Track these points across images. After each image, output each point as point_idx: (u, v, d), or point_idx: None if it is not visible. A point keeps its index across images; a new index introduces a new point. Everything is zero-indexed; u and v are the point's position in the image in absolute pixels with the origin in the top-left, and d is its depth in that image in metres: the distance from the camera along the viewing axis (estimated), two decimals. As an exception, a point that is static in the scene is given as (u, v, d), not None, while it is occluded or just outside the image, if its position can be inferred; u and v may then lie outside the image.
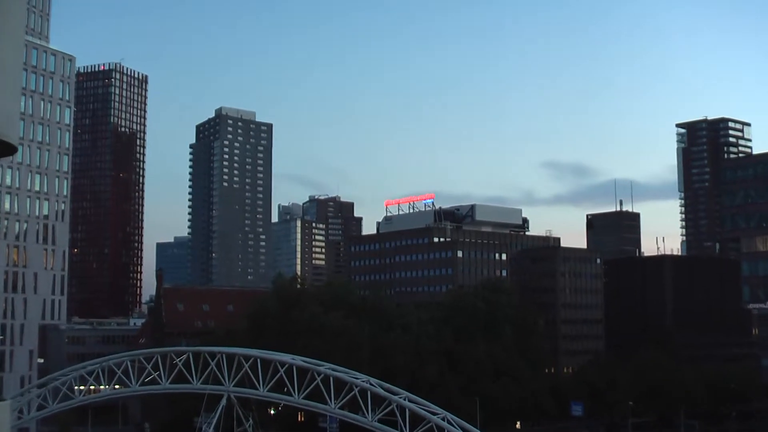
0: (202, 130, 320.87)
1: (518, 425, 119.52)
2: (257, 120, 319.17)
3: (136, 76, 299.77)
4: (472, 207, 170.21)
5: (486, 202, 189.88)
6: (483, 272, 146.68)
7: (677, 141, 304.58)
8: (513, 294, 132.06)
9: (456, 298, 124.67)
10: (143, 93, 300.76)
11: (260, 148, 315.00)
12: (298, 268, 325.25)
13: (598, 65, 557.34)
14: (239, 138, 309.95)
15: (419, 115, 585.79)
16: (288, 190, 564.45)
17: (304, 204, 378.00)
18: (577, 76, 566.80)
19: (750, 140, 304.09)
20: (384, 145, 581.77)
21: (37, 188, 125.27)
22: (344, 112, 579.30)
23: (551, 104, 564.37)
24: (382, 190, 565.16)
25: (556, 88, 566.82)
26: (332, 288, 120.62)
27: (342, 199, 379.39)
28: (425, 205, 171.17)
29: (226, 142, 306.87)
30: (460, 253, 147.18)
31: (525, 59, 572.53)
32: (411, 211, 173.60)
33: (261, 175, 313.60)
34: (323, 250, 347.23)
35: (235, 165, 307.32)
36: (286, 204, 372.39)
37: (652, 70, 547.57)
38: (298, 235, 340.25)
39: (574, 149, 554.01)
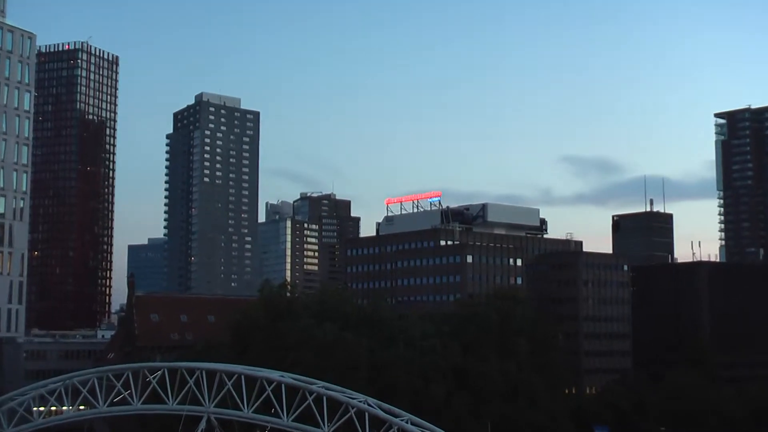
0: (180, 118, 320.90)
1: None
2: (242, 107, 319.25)
3: (105, 57, 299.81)
4: (484, 206, 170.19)
5: (499, 200, 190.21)
6: (495, 280, 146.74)
7: (716, 133, 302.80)
8: (529, 304, 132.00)
9: (465, 308, 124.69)
10: (113, 76, 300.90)
11: (246, 139, 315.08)
12: (288, 274, 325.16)
13: (624, 51, 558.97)
14: (222, 128, 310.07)
15: (424, 105, 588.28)
16: (277, 187, 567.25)
17: (294, 202, 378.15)
18: (600, 63, 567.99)
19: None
20: (385, 137, 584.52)
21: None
22: (340, 100, 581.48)
23: (572, 93, 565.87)
24: (383, 188, 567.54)
25: (577, 75, 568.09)
26: (326, 297, 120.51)
27: (337, 197, 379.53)
28: (431, 204, 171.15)
29: (208, 132, 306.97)
30: (469, 258, 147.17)
31: (543, 46, 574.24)
32: (415, 210, 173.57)
33: (246, 170, 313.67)
34: (316, 254, 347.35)
35: (218, 158, 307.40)
36: (275, 202, 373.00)
37: (686, 55, 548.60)
38: (288, 237, 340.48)
39: (597, 142, 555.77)
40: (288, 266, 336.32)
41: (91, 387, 63.69)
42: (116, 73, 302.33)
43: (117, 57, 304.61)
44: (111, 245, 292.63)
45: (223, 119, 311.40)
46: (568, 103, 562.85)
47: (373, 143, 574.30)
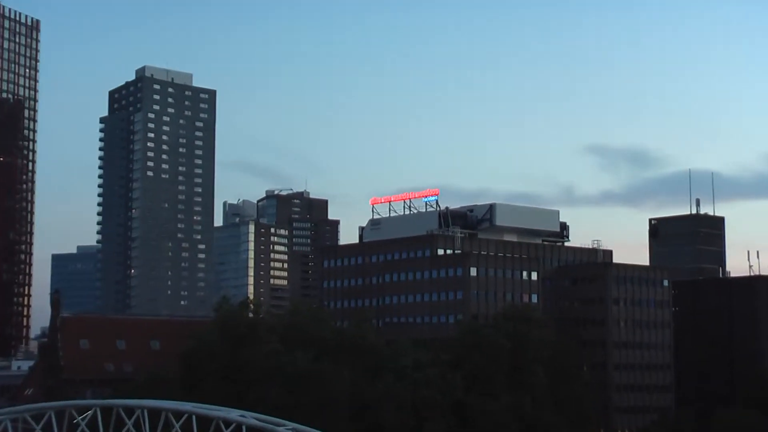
0: (117, 98, 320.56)
1: None
2: (194, 85, 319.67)
3: (22, 20, 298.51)
4: (491, 207, 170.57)
5: (509, 200, 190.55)
6: (506, 297, 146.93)
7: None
8: (547, 327, 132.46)
9: (468, 332, 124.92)
10: (33, 45, 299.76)
11: (199, 124, 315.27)
12: (251, 289, 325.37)
13: (660, 25, 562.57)
14: (169, 109, 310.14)
15: (418, 87, 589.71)
16: (237, 183, 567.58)
17: (259, 202, 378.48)
18: (631, 40, 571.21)
19: None
20: (370, 124, 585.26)
21: None
22: (316, 79, 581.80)
23: (598, 71, 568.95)
24: (367, 184, 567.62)
25: (603, 53, 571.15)
26: (298, 317, 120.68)
27: (311, 196, 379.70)
28: (426, 205, 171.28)
29: (152, 116, 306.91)
30: (473, 271, 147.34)
31: (562, 22, 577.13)
32: (407, 212, 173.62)
33: (200, 161, 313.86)
34: (285, 266, 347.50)
35: (164, 147, 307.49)
36: (235, 201, 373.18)
37: (736, 26, 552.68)
38: (251, 245, 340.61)
39: (629, 129, 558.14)
40: (251, 280, 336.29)
41: (4, 430, 63.46)
42: (37, 41, 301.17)
43: (38, 21, 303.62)
44: (30, 254, 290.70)
45: (170, 99, 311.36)
46: (593, 83, 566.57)
47: (356, 131, 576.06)
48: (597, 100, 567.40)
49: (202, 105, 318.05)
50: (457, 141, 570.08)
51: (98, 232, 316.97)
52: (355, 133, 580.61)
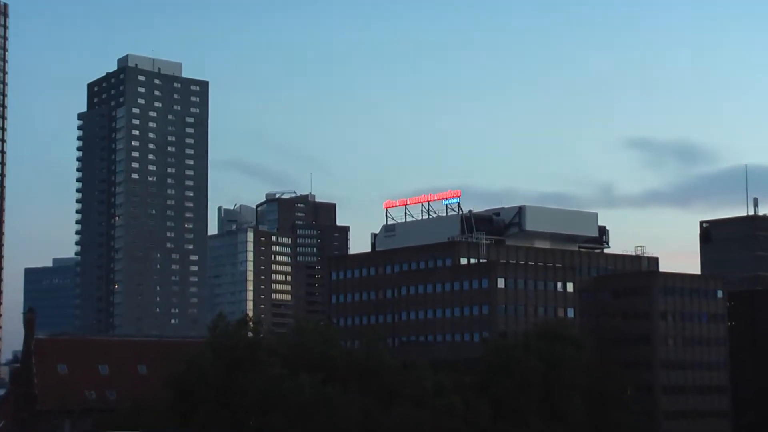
0: (97, 91, 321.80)
1: None
2: (184, 76, 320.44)
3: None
4: (520, 210, 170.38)
5: (540, 202, 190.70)
6: (538, 312, 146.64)
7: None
8: (585, 347, 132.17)
9: (496, 352, 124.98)
10: (1, 32, 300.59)
11: (189, 119, 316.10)
12: (250, 305, 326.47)
13: (710, 6, 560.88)
14: (156, 103, 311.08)
15: (434, 78, 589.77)
16: (233, 186, 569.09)
17: (258, 207, 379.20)
18: (677, 20, 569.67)
19: None
20: (381, 119, 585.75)
21: None
22: (322, 70, 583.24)
23: (639, 56, 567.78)
24: (380, 186, 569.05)
25: (645, 34, 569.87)
26: (303, 337, 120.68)
27: (317, 199, 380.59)
28: (447, 208, 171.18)
29: (136, 111, 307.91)
30: (501, 282, 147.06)
31: (591, 4, 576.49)
32: (425, 216, 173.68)
33: (191, 162, 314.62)
34: (289, 278, 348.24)
35: (151, 145, 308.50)
36: (231, 206, 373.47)
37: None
38: (250, 255, 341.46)
39: (676, 120, 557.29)
40: (249, 295, 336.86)
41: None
42: (5, 27, 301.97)
43: (5, 5, 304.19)
44: (0, 268, 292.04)
45: (157, 92, 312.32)
46: (634, 69, 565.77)
47: (367, 127, 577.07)
48: (639, 87, 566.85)
49: (192, 98, 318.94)
50: (480, 136, 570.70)
51: (77, 243, 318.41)
52: (365, 129, 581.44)
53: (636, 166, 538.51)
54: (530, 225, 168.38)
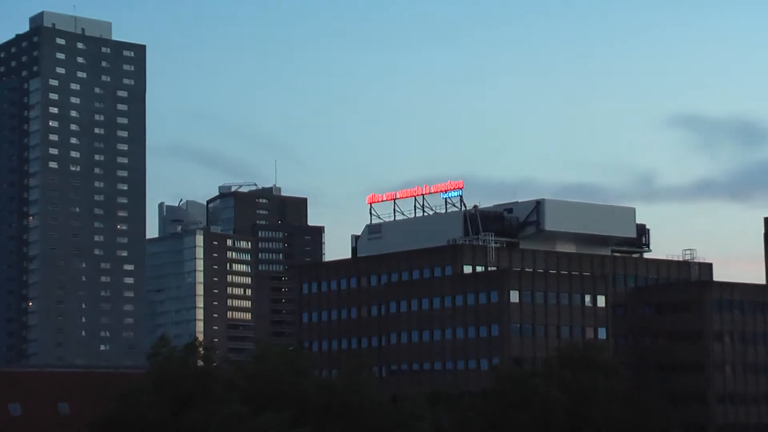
0: (4, 58, 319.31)
1: None
2: (115, 39, 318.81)
3: None
4: (538, 205, 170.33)
5: (563, 195, 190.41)
6: (560, 332, 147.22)
7: None
8: (620, 375, 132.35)
9: (509, 383, 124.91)
10: None
11: (122, 93, 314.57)
12: (200, 326, 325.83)
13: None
14: (79, 74, 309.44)
15: (426, 44, 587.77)
16: (178, 176, 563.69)
17: (210, 203, 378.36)
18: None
19: None
20: (362, 97, 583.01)
21: None
22: (288, 36, 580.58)
23: (686, 16, 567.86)
24: (361, 176, 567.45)
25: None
26: (267, 366, 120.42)
27: (284, 193, 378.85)
28: (446, 202, 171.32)
29: (54, 82, 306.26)
30: (514, 296, 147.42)
31: None
32: (419, 213, 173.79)
33: (124, 147, 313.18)
34: (249, 292, 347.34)
35: (73, 126, 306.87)
36: (175, 203, 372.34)
37: None
38: (199, 263, 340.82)
39: (732, 93, 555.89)
40: (200, 313, 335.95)
41: None
42: None
43: None
44: None
45: (80, 59, 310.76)
46: (680, 32, 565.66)
47: (344, 105, 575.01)
48: (686, 54, 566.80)
49: (126, 67, 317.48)
50: (486, 114, 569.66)
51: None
52: (342, 107, 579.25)
53: (682, 150, 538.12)
54: (551, 223, 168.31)
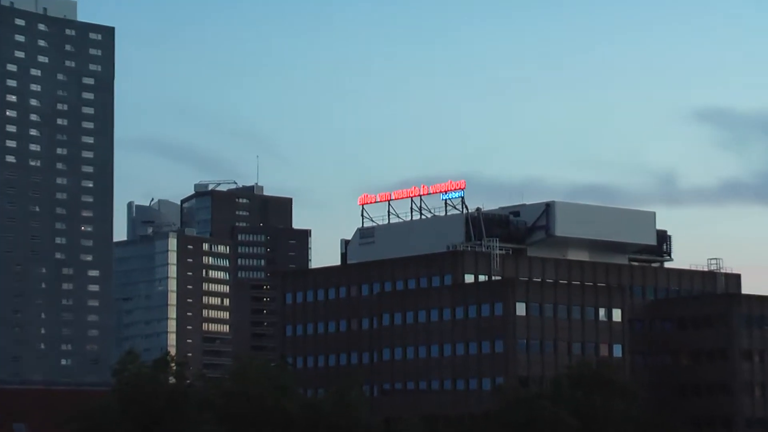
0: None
1: None
2: (80, 20, 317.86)
3: None
4: (547, 208, 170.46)
5: (575, 197, 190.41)
6: (572, 349, 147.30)
7: None
8: (637, 396, 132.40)
9: (515, 404, 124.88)
10: None
11: (88, 80, 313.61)
12: (172, 339, 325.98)
13: None
14: (40, 58, 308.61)
15: (424, 31, 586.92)
16: (150, 173, 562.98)
17: (184, 202, 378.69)
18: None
19: None
20: (353, 88, 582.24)
21: None
22: (274, 20, 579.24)
23: (708, 3, 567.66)
24: (352, 175, 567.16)
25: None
26: (246, 384, 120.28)
27: (266, 193, 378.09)
28: (446, 204, 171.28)
29: (12, 68, 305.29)
30: (521, 308, 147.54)
31: None
32: (415, 216, 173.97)
33: (89, 140, 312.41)
34: (227, 302, 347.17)
35: (32, 117, 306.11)
36: (146, 202, 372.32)
37: None
38: (173, 270, 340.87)
39: (762, 84, 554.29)
40: (172, 325, 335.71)
41: None
42: None
43: None
44: None
45: (41, 42, 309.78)
46: (704, 19, 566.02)
47: (333, 97, 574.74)
48: (711, 41, 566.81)
49: (92, 51, 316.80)
50: (489, 108, 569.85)
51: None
52: (331, 99, 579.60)
53: (707, 148, 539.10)
54: (561, 228, 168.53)
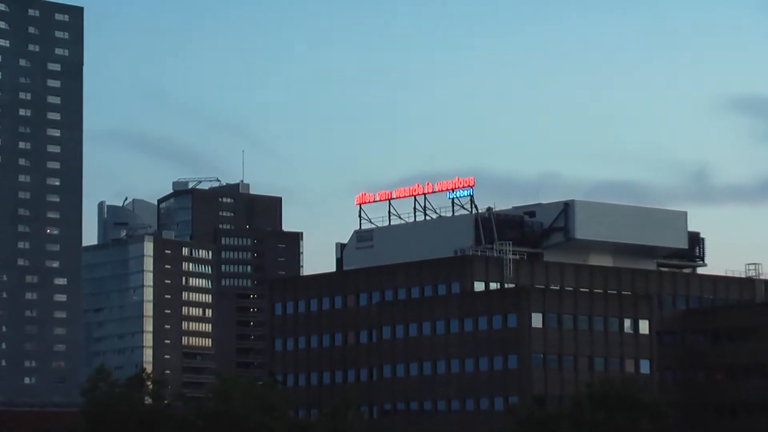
0: None
1: None
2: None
3: None
4: (566, 208, 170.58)
5: (596, 195, 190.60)
6: (594, 365, 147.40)
7: None
8: (668, 417, 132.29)
9: (529, 426, 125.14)
10: None
11: (54, 66, 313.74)
12: (149, 354, 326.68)
13: None
14: (1, 41, 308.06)
15: (427, 13, 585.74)
16: (123, 170, 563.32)
17: (162, 202, 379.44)
18: None
19: None
20: (349, 75, 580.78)
21: None
22: (257, 2, 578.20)
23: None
24: (348, 172, 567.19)
25: None
26: (231, 404, 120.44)
27: (253, 191, 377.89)
28: (453, 203, 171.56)
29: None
30: (537, 319, 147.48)
31: None
32: (419, 217, 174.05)
33: (56, 132, 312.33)
34: (209, 313, 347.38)
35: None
36: (119, 202, 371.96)
37: None
38: (149, 277, 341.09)
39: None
40: (148, 338, 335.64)
41: None
42: None
43: None
44: None
45: (2, 23, 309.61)
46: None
47: (328, 85, 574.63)
48: (746, 23, 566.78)
49: (58, 34, 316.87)
50: (500, 97, 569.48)
51: None
52: (325, 88, 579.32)
53: (744, 140, 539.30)
54: (582, 230, 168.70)
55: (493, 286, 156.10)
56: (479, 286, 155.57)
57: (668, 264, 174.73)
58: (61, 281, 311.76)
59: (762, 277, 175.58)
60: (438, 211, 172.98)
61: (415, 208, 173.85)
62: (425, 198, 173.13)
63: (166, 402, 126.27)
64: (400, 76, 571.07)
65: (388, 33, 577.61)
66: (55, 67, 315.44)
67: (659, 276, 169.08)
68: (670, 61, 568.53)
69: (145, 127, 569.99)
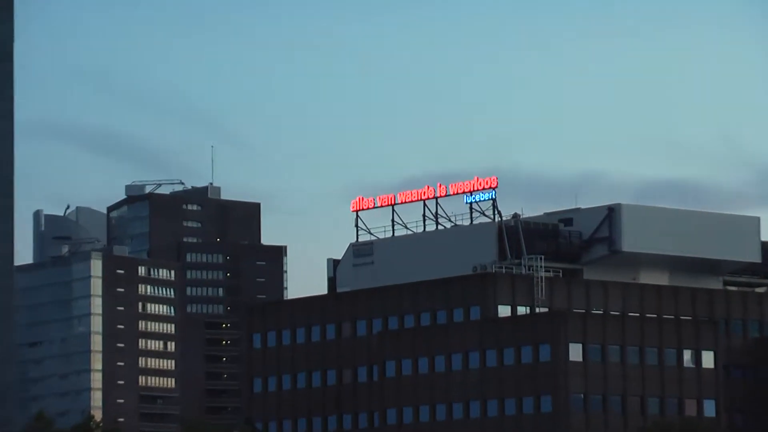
0: None
1: None
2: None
3: None
4: (610, 213, 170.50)
5: (650, 199, 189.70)
6: (647, 406, 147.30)
7: None
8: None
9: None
10: None
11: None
12: (98, 397, 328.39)
13: None
14: None
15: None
16: (62, 170, 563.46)
17: (112, 210, 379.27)
18: None
19: None
20: (341, 59, 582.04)
21: None
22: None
23: None
24: (342, 172, 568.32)
25: None
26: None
27: (224, 196, 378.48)
28: (471, 208, 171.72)
29: None
30: (576, 351, 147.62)
31: None
32: (429, 227, 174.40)
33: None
34: (172, 346, 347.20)
35: None
36: (59, 211, 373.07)
37: None
38: (97, 303, 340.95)
39: None
40: (97, 378, 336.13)
41: None
42: None
43: None
44: None
45: None
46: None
47: (314, 66, 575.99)
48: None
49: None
50: (526, 81, 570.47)
51: None
52: (311, 71, 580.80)
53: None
54: (630, 241, 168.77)
55: (521, 310, 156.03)
56: (504, 311, 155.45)
57: (737, 282, 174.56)
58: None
59: None
60: (453, 218, 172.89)
61: (424, 216, 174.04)
62: (437, 203, 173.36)
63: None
64: (403, 60, 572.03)
65: (386, 10, 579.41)
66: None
67: (726, 297, 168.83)
68: (738, 42, 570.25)
69: (92, 119, 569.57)
